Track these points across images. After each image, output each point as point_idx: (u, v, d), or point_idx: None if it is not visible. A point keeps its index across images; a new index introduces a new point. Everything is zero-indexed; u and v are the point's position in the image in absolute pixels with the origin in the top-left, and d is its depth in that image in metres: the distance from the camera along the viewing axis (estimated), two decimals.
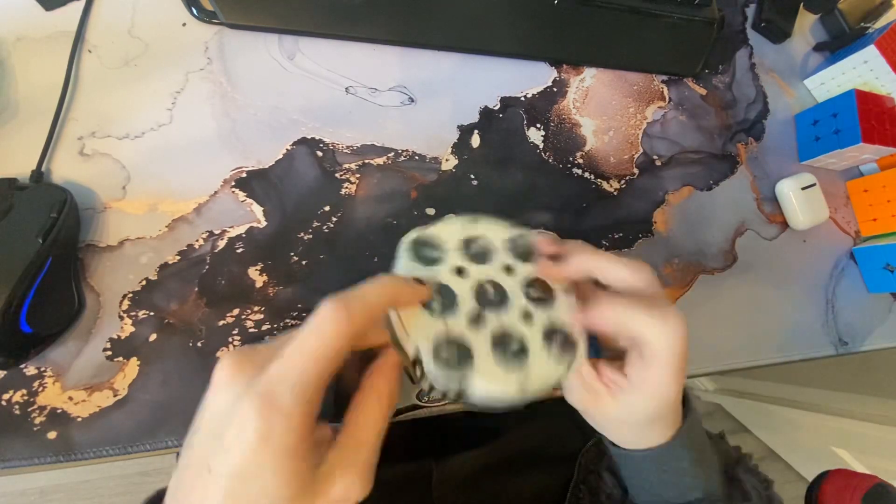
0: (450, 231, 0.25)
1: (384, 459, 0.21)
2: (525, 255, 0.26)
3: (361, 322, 0.19)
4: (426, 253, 0.24)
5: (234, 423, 0.17)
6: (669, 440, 0.27)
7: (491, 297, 0.24)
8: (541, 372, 0.23)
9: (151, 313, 0.31)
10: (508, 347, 0.23)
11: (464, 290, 0.24)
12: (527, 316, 0.24)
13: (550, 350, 0.24)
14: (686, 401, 0.29)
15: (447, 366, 0.22)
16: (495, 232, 0.26)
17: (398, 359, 0.21)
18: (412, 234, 0.25)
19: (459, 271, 0.24)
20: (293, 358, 0.18)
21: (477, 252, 0.25)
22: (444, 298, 0.23)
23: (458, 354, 0.22)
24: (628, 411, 0.25)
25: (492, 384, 0.22)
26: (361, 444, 0.20)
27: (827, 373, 1.00)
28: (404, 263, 0.24)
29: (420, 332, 0.22)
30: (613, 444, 0.30)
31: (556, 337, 0.24)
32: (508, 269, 0.25)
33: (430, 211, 0.37)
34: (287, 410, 0.17)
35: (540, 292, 0.25)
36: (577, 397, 0.27)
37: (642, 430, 0.28)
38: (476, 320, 0.23)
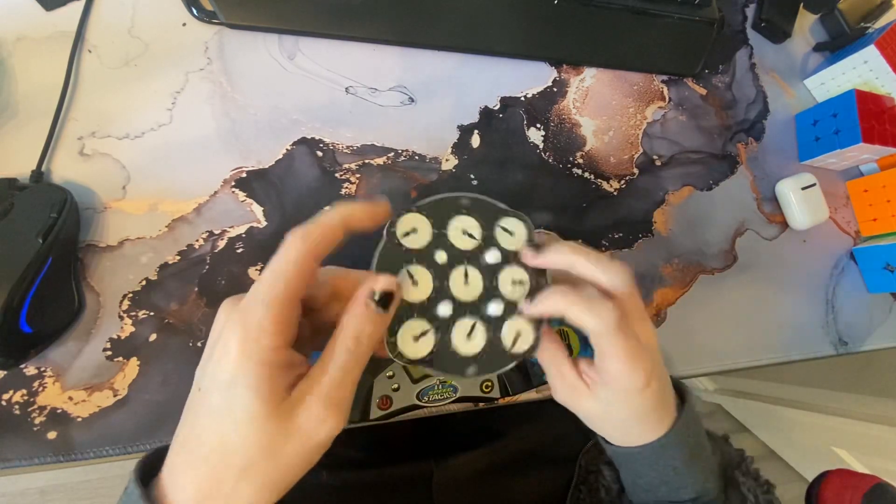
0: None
1: (384, 460, 0.22)
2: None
3: (317, 239, 0.21)
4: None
5: (219, 341, 0.20)
6: (660, 437, 0.27)
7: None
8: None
9: (151, 313, 0.31)
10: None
11: (441, 258, 0.25)
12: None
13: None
14: (683, 398, 0.29)
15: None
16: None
17: (364, 293, 0.22)
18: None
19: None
20: (263, 279, 0.21)
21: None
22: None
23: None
24: (605, 406, 0.26)
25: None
26: (330, 377, 0.21)
27: (827, 373, 1.00)
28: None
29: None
30: (606, 441, 0.30)
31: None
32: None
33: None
34: (259, 319, 0.20)
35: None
36: (561, 396, 0.28)
37: (626, 425, 0.28)
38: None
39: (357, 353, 0.21)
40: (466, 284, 0.25)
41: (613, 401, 0.26)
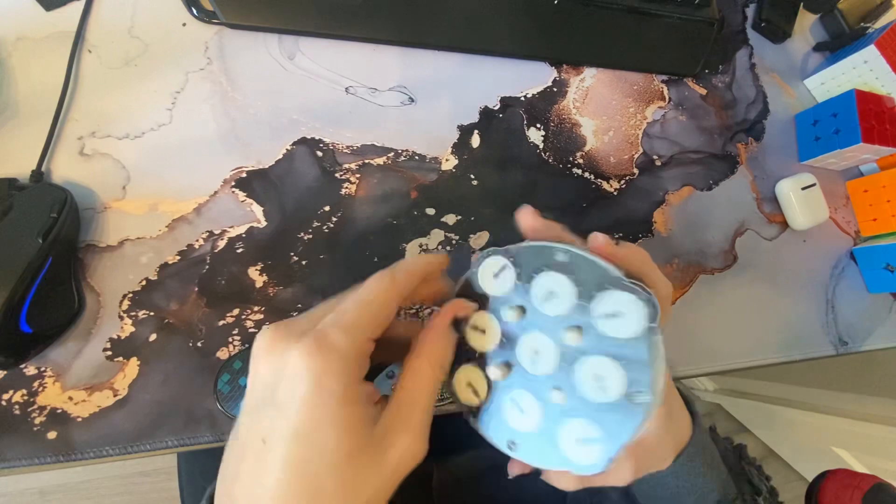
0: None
1: None
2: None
3: (405, 280, 0.21)
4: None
5: (284, 381, 0.18)
6: (685, 449, 0.27)
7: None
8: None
9: (151, 313, 0.31)
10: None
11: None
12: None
13: None
14: (689, 405, 0.29)
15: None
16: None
17: (448, 321, 0.22)
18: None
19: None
20: (345, 307, 0.19)
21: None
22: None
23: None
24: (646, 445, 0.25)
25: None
26: (415, 404, 0.20)
27: (827, 373, 1.00)
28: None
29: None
30: None
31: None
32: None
33: (430, 211, 0.37)
34: (339, 347, 0.18)
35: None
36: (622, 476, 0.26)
37: (662, 442, 0.27)
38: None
39: (440, 378, 0.21)
40: (536, 355, 0.21)
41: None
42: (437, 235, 0.37)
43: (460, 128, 0.40)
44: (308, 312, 0.21)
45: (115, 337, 0.31)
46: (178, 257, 0.32)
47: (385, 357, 0.22)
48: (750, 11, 0.52)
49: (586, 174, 0.42)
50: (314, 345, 0.17)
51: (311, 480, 0.17)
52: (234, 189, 0.34)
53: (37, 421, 0.29)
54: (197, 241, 0.33)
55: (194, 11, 0.35)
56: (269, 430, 0.18)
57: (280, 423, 0.17)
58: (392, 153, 0.38)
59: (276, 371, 0.18)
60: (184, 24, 0.35)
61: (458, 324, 0.23)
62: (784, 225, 0.48)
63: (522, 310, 0.22)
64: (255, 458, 0.18)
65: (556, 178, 0.41)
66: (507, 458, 0.25)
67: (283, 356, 0.18)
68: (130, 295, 0.31)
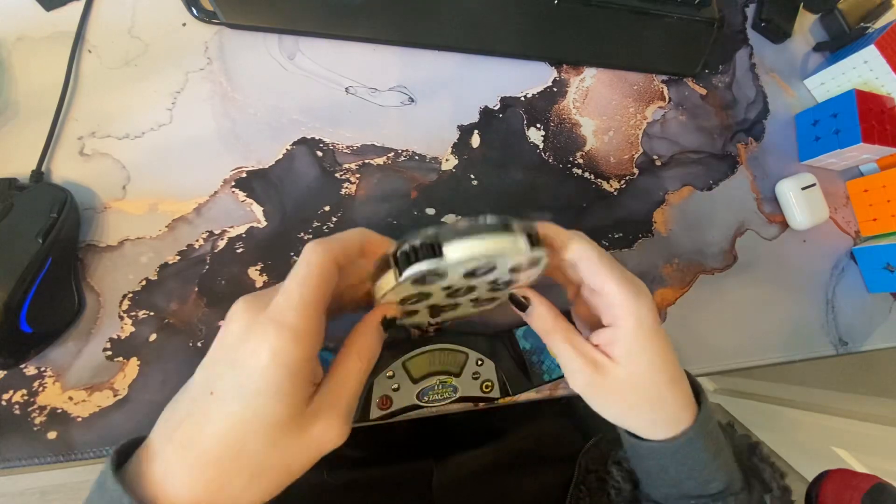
0: (460, 267, 0.24)
1: (385, 459, 0.22)
2: (528, 268, 0.26)
3: (338, 250, 0.22)
4: (429, 281, 0.24)
5: (248, 346, 0.20)
6: (687, 429, 0.27)
7: (458, 294, 0.27)
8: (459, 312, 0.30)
9: (151, 313, 0.31)
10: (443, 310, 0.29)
11: (440, 295, 0.26)
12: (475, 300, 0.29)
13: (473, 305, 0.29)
14: (697, 392, 0.29)
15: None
16: (509, 259, 0.25)
17: (377, 319, 0.25)
18: (423, 269, 0.23)
19: (448, 288, 0.26)
20: (290, 287, 0.21)
21: (478, 274, 0.25)
22: (420, 297, 0.26)
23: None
24: (628, 377, 0.26)
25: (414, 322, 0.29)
26: (342, 390, 0.22)
27: (827, 373, 1.00)
28: (403, 285, 0.24)
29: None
30: (631, 435, 0.29)
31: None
32: (495, 282, 0.26)
33: (430, 211, 0.37)
34: (294, 327, 0.20)
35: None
36: (581, 379, 0.27)
37: (655, 408, 0.27)
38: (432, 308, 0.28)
39: (367, 369, 0.24)
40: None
41: (634, 354, 0.26)
42: None
43: (460, 128, 0.40)
44: (278, 285, 0.22)
45: (115, 337, 0.31)
46: (178, 257, 0.32)
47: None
48: (750, 11, 0.52)
49: (586, 174, 0.42)
50: (273, 326, 0.20)
51: (242, 437, 0.19)
52: (234, 189, 0.34)
53: (37, 421, 0.29)
54: (197, 241, 0.33)
55: (194, 11, 0.35)
56: (220, 386, 0.20)
57: (230, 382, 0.20)
58: (392, 153, 0.38)
59: (242, 336, 0.20)
60: (184, 24, 0.35)
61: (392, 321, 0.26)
62: (784, 225, 0.48)
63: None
64: (201, 408, 0.20)
65: (556, 178, 0.41)
66: (506, 458, 0.26)
67: (251, 327, 0.20)
68: (130, 295, 0.31)
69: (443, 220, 0.38)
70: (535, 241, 0.25)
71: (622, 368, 0.26)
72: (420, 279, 0.23)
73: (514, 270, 0.26)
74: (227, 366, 0.20)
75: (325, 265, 0.22)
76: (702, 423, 0.28)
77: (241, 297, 0.22)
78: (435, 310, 0.29)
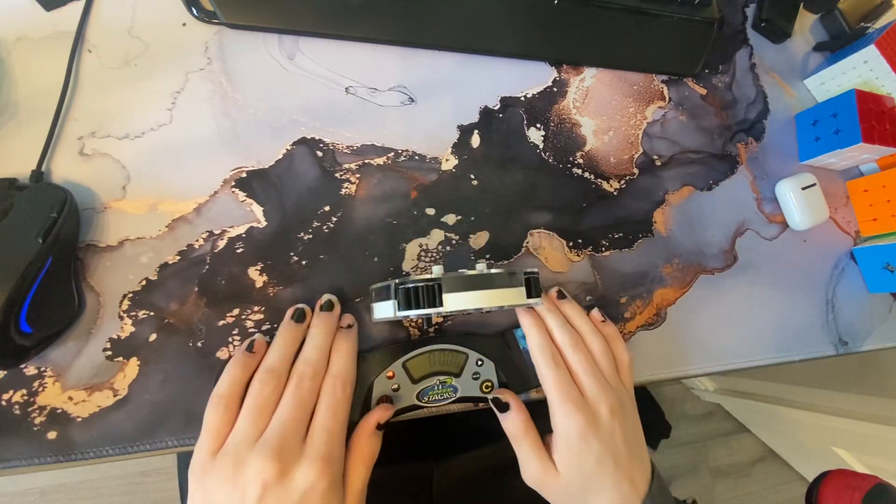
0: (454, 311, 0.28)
1: (385, 461, 0.22)
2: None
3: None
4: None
5: (303, 495, 0.25)
6: None
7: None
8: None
9: (151, 313, 0.31)
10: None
11: None
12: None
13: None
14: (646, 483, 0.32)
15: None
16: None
17: (372, 426, 0.30)
18: (421, 312, 0.28)
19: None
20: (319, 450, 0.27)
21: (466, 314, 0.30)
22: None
23: None
24: (564, 485, 0.31)
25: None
26: (352, 495, 0.27)
27: (827, 373, 1.00)
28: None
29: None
30: None
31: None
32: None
33: (430, 211, 0.37)
34: (328, 475, 0.26)
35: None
36: (531, 477, 0.32)
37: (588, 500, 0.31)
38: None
39: (370, 468, 0.29)
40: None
41: (566, 465, 0.30)
42: (437, 235, 0.37)
43: (460, 128, 0.40)
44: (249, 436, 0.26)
45: (115, 337, 0.31)
46: (178, 257, 0.32)
47: None
48: (750, 11, 0.52)
49: (586, 174, 0.42)
50: (319, 471, 0.26)
51: None
52: (234, 189, 0.34)
53: (37, 421, 0.29)
54: (197, 241, 0.33)
55: (194, 11, 0.35)
56: None
57: None
58: (392, 153, 0.38)
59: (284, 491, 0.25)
60: (184, 24, 0.35)
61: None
62: (784, 225, 0.48)
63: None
64: None
65: (556, 178, 0.41)
66: (506, 460, 0.27)
67: (292, 479, 0.26)
68: (130, 295, 0.31)
69: (442, 219, 0.38)
70: (533, 290, 0.28)
71: (559, 476, 0.31)
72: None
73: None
74: None
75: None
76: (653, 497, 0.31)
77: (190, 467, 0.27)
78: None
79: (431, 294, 0.26)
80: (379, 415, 0.30)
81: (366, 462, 0.29)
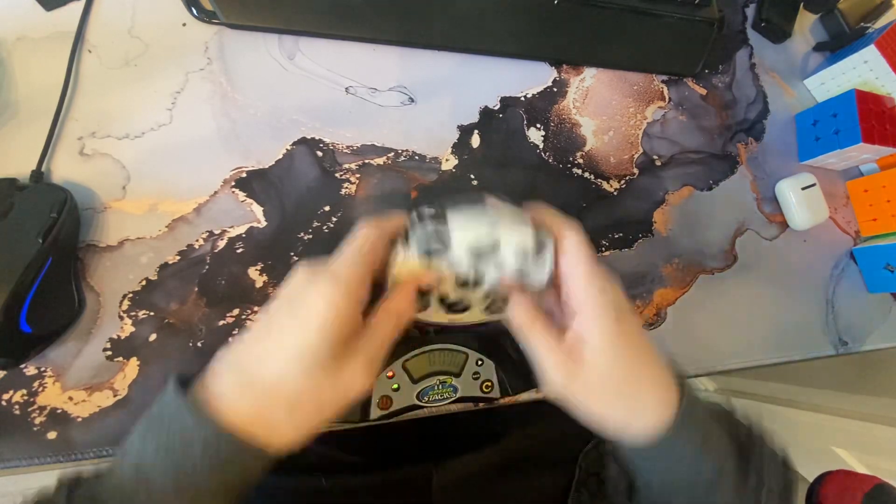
0: (466, 236, 0.27)
1: (384, 463, 0.23)
2: (534, 254, 0.28)
3: (388, 227, 0.27)
4: (432, 246, 0.27)
5: (306, 292, 0.24)
6: (670, 422, 0.26)
7: (466, 285, 0.28)
8: (469, 317, 0.30)
9: (151, 313, 0.31)
10: (457, 306, 0.29)
11: (448, 280, 0.28)
12: (486, 296, 0.29)
13: (484, 308, 0.30)
14: (680, 381, 0.28)
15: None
16: (511, 238, 0.27)
17: (413, 286, 0.27)
18: (429, 239, 0.27)
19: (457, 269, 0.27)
20: (345, 251, 0.25)
21: (482, 253, 0.27)
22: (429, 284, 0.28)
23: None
24: (597, 373, 0.26)
25: (432, 318, 0.29)
26: (371, 343, 0.25)
27: (827, 373, 1.00)
28: (411, 259, 0.27)
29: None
30: (621, 445, 0.28)
31: (496, 303, 0.29)
32: (501, 266, 0.28)
33: (430, 211, 0.37)
34: (347, 281, 0.24)
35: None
36: (558, 378, 0.26)
37: (630, 403, 0.27)
38: (441, 301, 0.29)
39: (398, 328, 0.26)
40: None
41: (603, 350, 0.25)
42: None
43: (460, 128, 0.40)
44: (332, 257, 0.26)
45: (115, 337, 0.31)
46: (178, 257, 0.32)
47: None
48: (750, 11, 0.52)
49: (586, 174, 0.42)
50: (330, 278, 0.24)
51: (288, 367, 0.23)
52: (234, 189, 0.34)
53: (37, 421, 0.29)
54: (197, 241, 0.33)
55: (194, 11, 0.35)
56: (277, 326, 0.24)
57: (288, 322, 0.24)
58: (392, 153, 0.38)
59: (300, 286, 0.25)
60: (184, 24, 0.35)
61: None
62: (784, 225, 0.48)
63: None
64: (259, 335, 0.24)
65: (556, 178, 0.41)
66: (506, 461, 0.26)
67: (309, 279, 0.24)
68: (130, 295, 0.31)
69: None
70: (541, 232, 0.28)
71: (593, 364, 0.26)
72: (427, 250, 0.26)
73: (520, 260, 0.27)
74: (287, 309, 0.24)
75: (376, 237, 0.26)
76: (685, 412, 0.27)
77: (300, 263, 0.26)
78: (447, 306, 0.29)
79: (435, 217, 0.27)
80: (422, 278, 0.27)
81: (391, 313, 0.26)
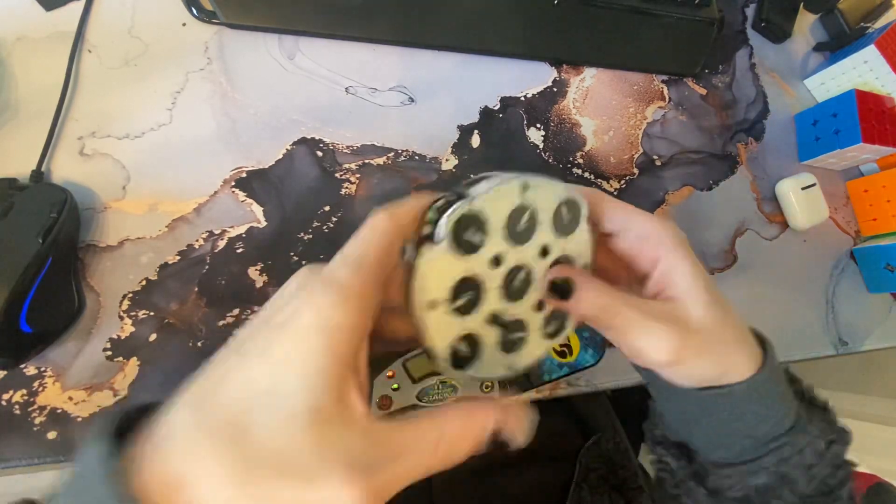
0: (498, 207, 0.22)
1: None
2: (570, 224, 0.24)
3: (403, 215, 0.20)
4: (468, 237, 0.21)
5: (292, 303, 0.17)
6: (764, 360, 0.24)
7: (515, 289, 0.23)
8: (531, 353, 0.24)
9: (151, 313, 0.31)
10: (511, 337, 0.23)
11: (493, 284, 0.22)
12: (539, 306, 0.24)
13: (545, 332, 0.24)
14: (756, 332, 0.27)
15: (456, 365, 0.22)
16: (545, 199, 0.23)
17: (482, 433, 0.19)
18: (457, 212, 0.20)
19: (496, 260, 0.22)
20: (348, 245, 0.19)
21: (521, 230, 0.22)
22: (472, 295, 0.22)
23: (468, 349, 0.22)
24: (708, 319, 0.23)
25: (488, 371, 0.23)
26: (395, 460, 0.16)
27: (827, 373, 1.00)
28: (443, 252, 0.20)
29: (438, 333, 0.21)
30: (714, 388, 0.24)
31: (553, 320, 0.24)
32: (545, 251, 0.23)
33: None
34: (343, 285, 0.17)
35: (562, 280, 0.24)
36: (669, 345, 0.22)
37: (739, 343, 0.24)
38: (493, 320, 0.22)
39: (440, 463, 0.19)
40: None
41: (696, 290, 0.23)
42: None
43: (460, 128, 0.40)
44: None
45: (115, 337, 0.31)
46: (178, 257, 0.32)
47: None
48: (750, 11, 0.52)
49: (586, 174, 0.42)
50: (323, 282, 0.17)
51: (250, 414, 0.15)
52: (234, 189, 0.34)
53: (37, 421, 0.29)
54: (197, 241, 0.33)
55: (194, 11, 0.35)
56: (249, 346, 0.17)
57: (261, 342, 0.17)
58: (392, 153, 0.38)
59: (290, 295, 0.18)
60: (184, 24, 0.35)
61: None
62: (784, 225, 0.48)
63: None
64: (222, 366, 0.17)
65: (556, 179, 0.41)
66: (505, 456, 0.24)
67: (301, 285, 0.18)
68: (130, 295, 0.31)
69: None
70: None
71: (702, 324, 0.23)
72: (457, 239, 0.20)
73: (557, 229, 0.23)
74: (264, 324, 0.18)
75: (388, 227, 0.19)
76: (772, 350, 0.25)
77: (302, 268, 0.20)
78: (501, 336, 0.23)
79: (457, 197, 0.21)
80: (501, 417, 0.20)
81: (446, 448, 0.18)
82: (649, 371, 0.25)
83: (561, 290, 0.24)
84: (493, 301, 0.22)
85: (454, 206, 0.20)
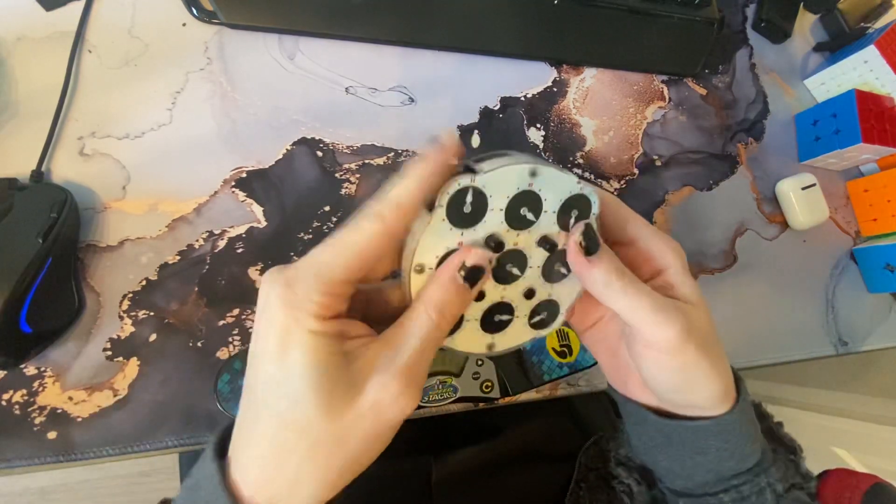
0: (501, 187, 0.21)
1: (383, 457, 0.21)
2: (578, 220, 0.23)
3: (395, 219, 0.19)
4: (465, 210, 0.21)
5: (262, 319, 0.18)
6: (737, 400, 0.24)
7: (507, 272, 0.22)
8: (513, 338, 0.24)
9: (151, 313, 0.31)
10: (496, 318, 0.23)
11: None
12: (529, 294, 0.23)
13: (531, 321, 0.24)
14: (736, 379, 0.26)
15: None
16: (553, 188, 0.22)
17: (455, 266, 0.20)
18: (456, 184, 0.20)
19: (492, 240, 0.21)
20: (325, 249, 0.18)
21: (522, 215, 0.22)
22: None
23: None
24: (702, 322, 0.23)
25: (466, 346, 0.23)
26: (410, 347, 0.18)
27: (827, 373, 1.00)
28: (437, 221, 0.20)
29: None
30: (670, 418, 0.25)
31: (542, 311, 0.24)
32: (546, 242, 0.22)
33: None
34: (303, 296, 0.17)
35: (559, 270, 0.23)
36: (672, 330, 0.21)
37: (718, 368, 0.23)
38: (479, 297, 0.22)
39: (440, 327, 0.19)
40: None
41: (694, 296, 0.23)
42: None
43: (460, 128, 0.40)
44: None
45: (115, 337, 0.31)
46: (178, 257, 0.32)
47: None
48: (750, 11, 0.52)
49: (586, 174, 0.42)
50: (281, 291, 0.17)
51: (281, 404, 0.17)
52: (234, 189, 0.34)
53: (37, 421, 0.29)
54: (197, 241, 0.33)
55: (194, 11, 0.35)
56: (253, 374, 0.18)
57: (261, 349, 0.18)
58: (392, 153, 0.38)
59: (262, 307, 0.18)
60: (184, 24, 0.35)
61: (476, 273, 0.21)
62: (784, 225, 0.48)
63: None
64: (248, 380, 0.19)
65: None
66: (505, 456, 0.24)
67: (267, 296, 0.18)
68: (130, 295, 0.31)
69: None
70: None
71: (697, 303, 0.23)
72: (454, 211, 0.20)
73: (563, 222, 0.22)
74: (255, 334, 0.19)
75: (375, 242, 0.18)
76: (745, 391, 0.25)
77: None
78: (483, 317, 0.23)
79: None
80: (468, 255, 0.20)
81: (429, 307, 0.19)
82: (621, 394, 0.26)
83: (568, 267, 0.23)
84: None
85: (454, 178, 0.20)
